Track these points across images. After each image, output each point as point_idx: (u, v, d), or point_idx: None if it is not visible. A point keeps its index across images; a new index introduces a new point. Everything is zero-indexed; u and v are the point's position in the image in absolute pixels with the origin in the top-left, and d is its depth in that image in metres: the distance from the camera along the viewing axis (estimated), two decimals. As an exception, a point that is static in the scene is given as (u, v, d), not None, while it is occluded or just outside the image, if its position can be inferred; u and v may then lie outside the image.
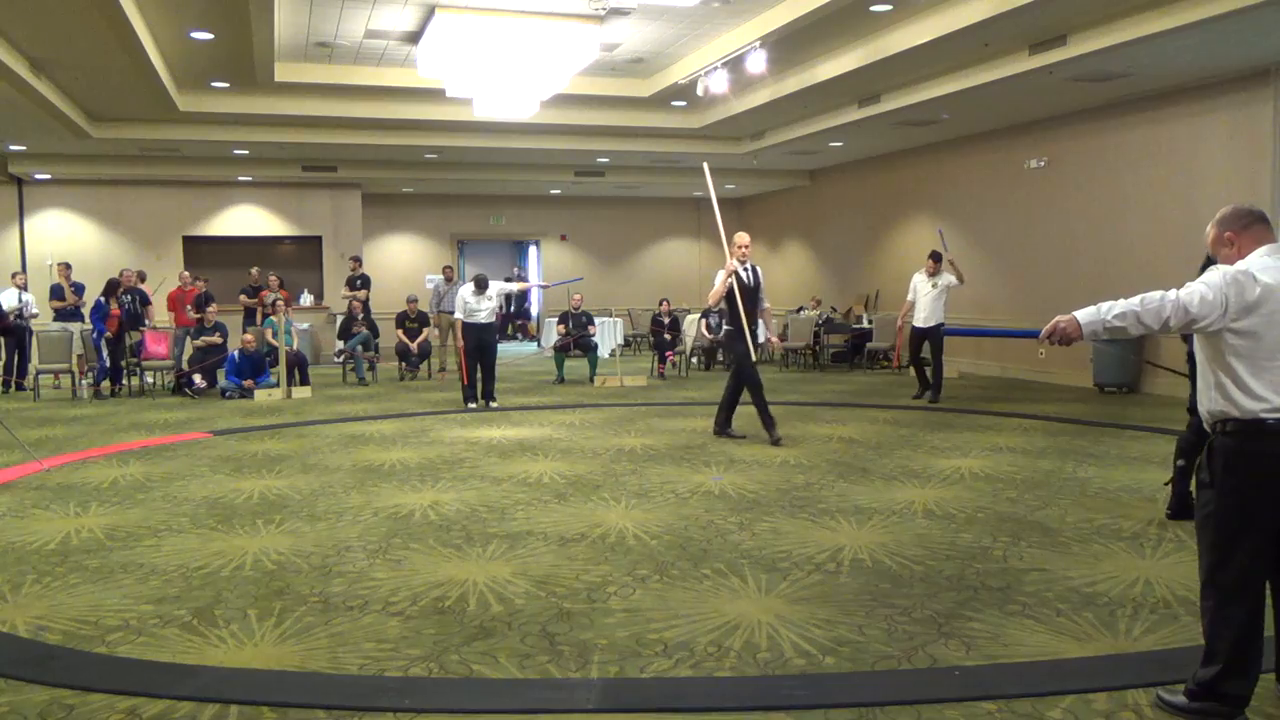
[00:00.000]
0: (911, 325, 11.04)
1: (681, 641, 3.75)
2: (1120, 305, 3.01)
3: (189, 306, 13.16)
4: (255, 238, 17.56)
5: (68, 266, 13.43)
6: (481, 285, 10.88)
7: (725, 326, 8.77)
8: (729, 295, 8.25)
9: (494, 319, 10.99)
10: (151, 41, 9.58)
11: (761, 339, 9.33)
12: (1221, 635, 3.01)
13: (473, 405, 10.82)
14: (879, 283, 16.19)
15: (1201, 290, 2.95)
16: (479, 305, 10.80)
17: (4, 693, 3.36)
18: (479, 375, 10.93)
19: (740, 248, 8.29)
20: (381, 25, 9.92)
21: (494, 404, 10.90)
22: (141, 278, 13.57)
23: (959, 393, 11.55)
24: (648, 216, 21.28)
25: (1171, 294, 2.97)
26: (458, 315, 10.97)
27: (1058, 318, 3.07)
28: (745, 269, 8.31)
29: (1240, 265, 2.98)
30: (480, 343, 10.85)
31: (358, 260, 15.67)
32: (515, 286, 16.14)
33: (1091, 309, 3.05)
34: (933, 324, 10.75)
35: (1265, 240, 3.03)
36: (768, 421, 8.19)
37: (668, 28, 10.19)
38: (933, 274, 10.77)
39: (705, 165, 9.17)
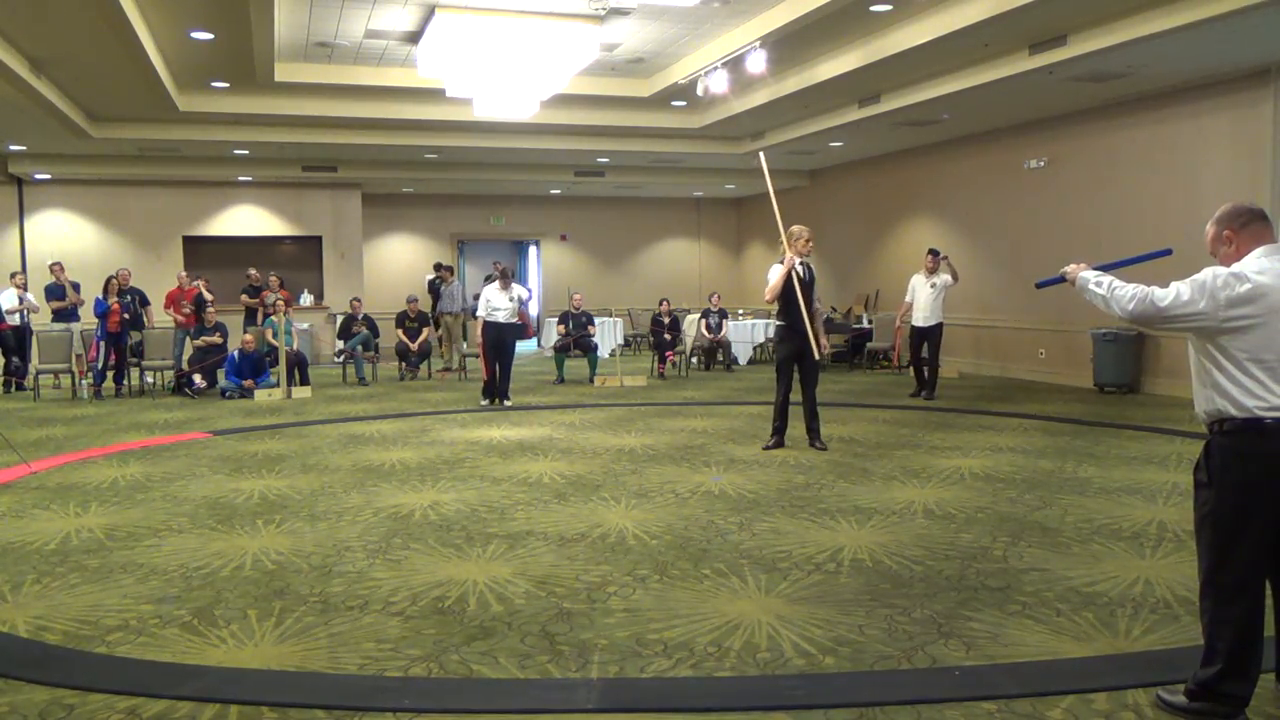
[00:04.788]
0: (912, 325, 11.13)
1: (681, 641, 3.75)
2: (1105, 285, 3.17)
3: (187, 304, 13.17)
4: (255, 238, 17.55)
5: (61, 267, 13.43)
6: (506, 281, 10.89)
7: (777, 324, 8.01)
8: (787, 292, 7.73)
9: (515, 319, 10.98)
10: (151, 41, 9.57)
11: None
12: (1221, 635, 3.01)
13: (485, 401, 10.87)
14: (879, 283, 16.19)
15: (1179, 287, 2.99)
16: (499, 303, 10.81)
17: (4, 693, 3.36)
18: (497, 373, 10.98)
19: (804, 241, 7.79)
20: (381, 25, 9.92)
21: (508, 402, 10.93)
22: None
23: (959, 393, 11.55)
24: (648, 216, 21.27)
25: (1149, 288, 3.05)
26: (480, 313, 10.97)
27: (1075, 266, 3.32)
28: (803, 265, 7.82)
29: (1235, 267, 2.99)
30: (498, 341, 10.87)
31: (443, 268, 15.85)
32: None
33: (1093, 273, 3.25)
34: (933, 323, 10.89)
35: (1264, 238, 3.03)
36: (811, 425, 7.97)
37: (668, 28, 10.19)
38: (931, 272, 10.88)
39: (761, 154, 8.78)
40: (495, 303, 10.81)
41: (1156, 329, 3.09)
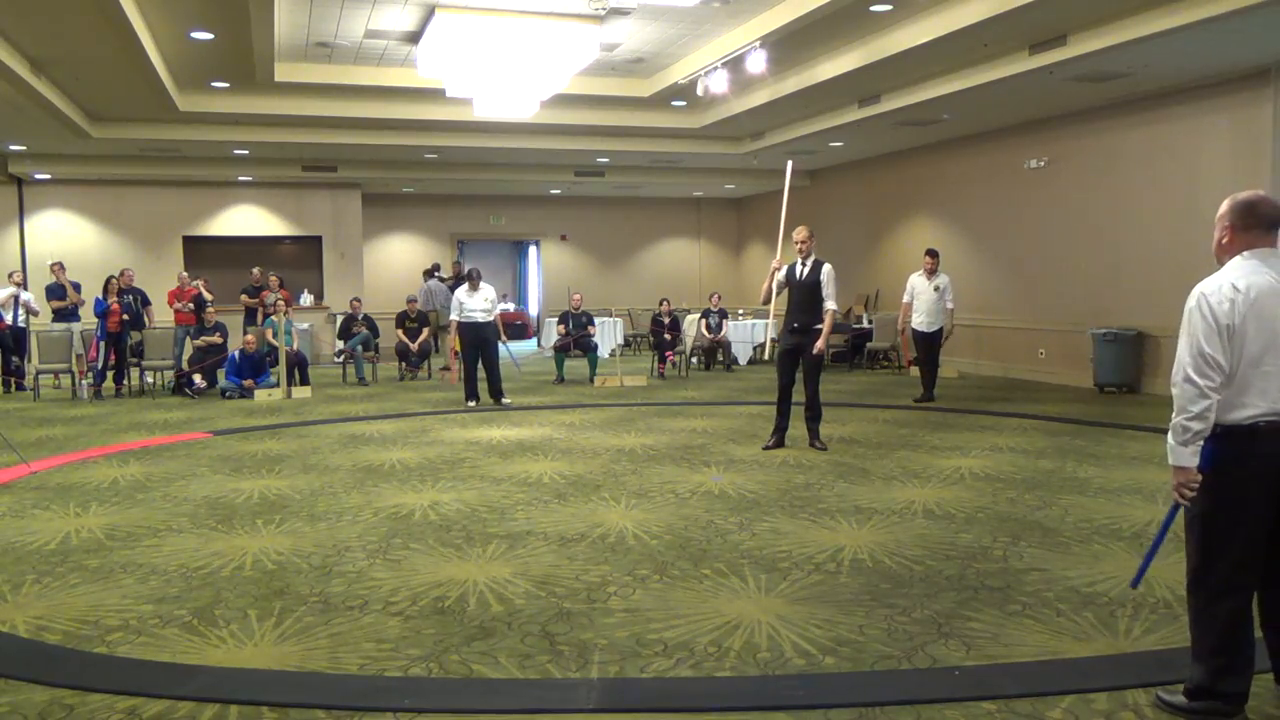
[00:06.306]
0: (913, 329, 10.97)
1: (681, 641, 3.75)
2: (1175, 429, 2.96)
3: (186, 303, 13.17)
4: (255, 238, 17.56)
5: (62, 266, 13.44)
6: (475, 282, 10.86)
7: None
8: (788, 291, 7.93)
9: (491, 318, 10.95)
10: (151, 41, 9.57)
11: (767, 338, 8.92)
12: (1207, 633, 3.03)
13: (472, 403, 10.83)
14: (879, 283, 16.19)
15: (1180, 353, 2.95)
16: (471, 305, 10.78)
17: (4, 693, 3.36)
18: (482, 373, 10.92)
19: (796, 242, 7.87)
20: (381, 25, 9.92)
21: (505, 400, 10.91)
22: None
23: (959, 393, 11.54)
24: (648, 216, 21.28)
25: (1176, 376, 2.96)
26: (453, 315, 10.95)
27: (1176, 483, 3.01)
28: (802, 264, 7.88)
29: (1217, 279, 2.96)
30: (477, 340, 10.83)
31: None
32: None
33: (1169, 450, 3.01)
34: (936, 328, 10.76)
35: (1255, 246, 2.98)
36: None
37: (668, 28, 10.19)
38: (931, 273, 10.76)
39: (789, 163, 8.75)
40: (468, 305, 10.78)
41: (1215, 380, 2.95)
